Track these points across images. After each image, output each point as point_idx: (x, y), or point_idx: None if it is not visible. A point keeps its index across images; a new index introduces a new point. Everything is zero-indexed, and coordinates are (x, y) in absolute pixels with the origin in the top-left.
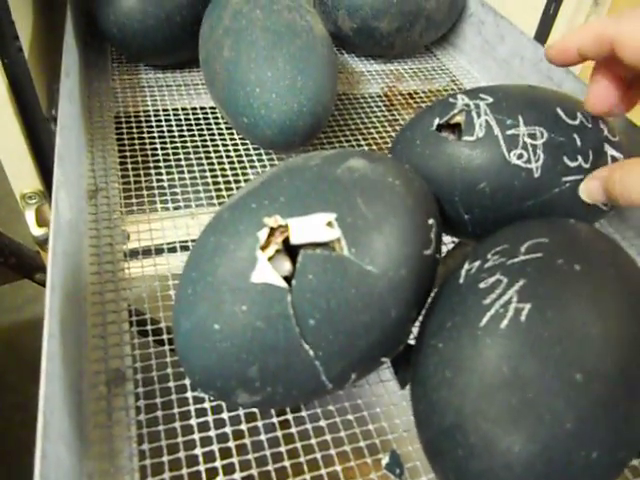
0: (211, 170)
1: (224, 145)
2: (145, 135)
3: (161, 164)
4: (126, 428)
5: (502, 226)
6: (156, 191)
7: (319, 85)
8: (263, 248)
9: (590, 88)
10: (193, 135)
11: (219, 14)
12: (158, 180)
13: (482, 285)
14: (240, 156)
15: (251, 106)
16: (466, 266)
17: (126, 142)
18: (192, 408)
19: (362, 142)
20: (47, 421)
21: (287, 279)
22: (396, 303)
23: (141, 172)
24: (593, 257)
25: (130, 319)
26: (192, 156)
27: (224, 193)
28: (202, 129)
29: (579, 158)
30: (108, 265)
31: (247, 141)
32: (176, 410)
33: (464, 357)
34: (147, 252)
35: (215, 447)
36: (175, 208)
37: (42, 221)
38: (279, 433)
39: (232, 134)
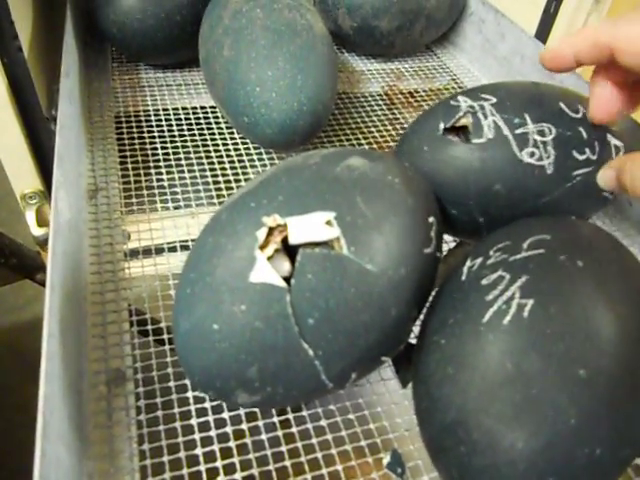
0: (211, 169)
1: (224, 144)
2: (145, 135)
3: (161, 163)
4: (126, 428)
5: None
6: (156, 191)
7: (319, 84)
8: (262, 247)
9: (592, 96)
10: (193, 134)
11: (219, 13)
12: (158, 180)
13: (484, 282)
14: (240, 155)
15: (251, 105)
16: (468, 263)
17: (126, 142)
18: (192, 408)
19: (362, 141)
20: (47, 421)
21: (286, 278)
22: (396, 302)
23: (141, 172)
24: (595, 253)
25: (130, 319)
26: (192, 155)
27: (224, 192)
28: (202, 128)
29: (587, 151)
30: (108, 265)
31: (247, 140)
32: (176, 410)
33: (466, 353)
34: (147, 252)
35: (216, 447)
36: (175, 208)
37: (42, 221)
38: (280, 432)
39: (232, 133)
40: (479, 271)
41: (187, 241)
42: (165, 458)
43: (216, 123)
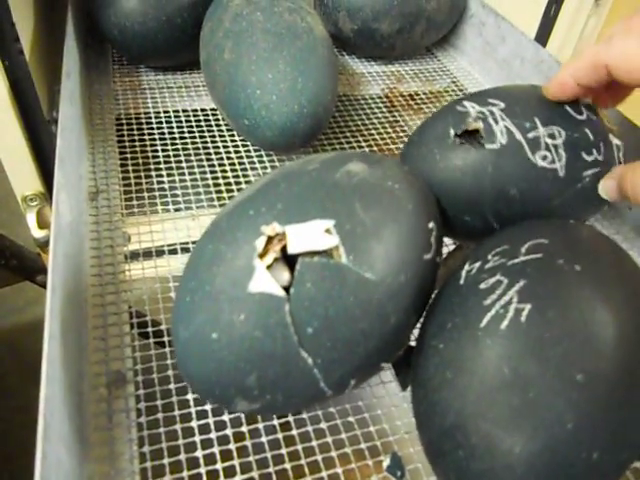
0: (212, 172)
1: (225, 147)
2: (146, 137)
3: (162, 166)
4: (127, 430)
5: None
6: (157, 193)
7: (320, 86)
8: (261, 256)
9: (558, 77)
10: (194, 137)
11: (220, 16)
12: (159, 182)
13: (482, 286)
14: (241, 157)
15: (252, 108)
16: (466, 267)
17: (127, 144)
18: (193, 410)
19: (363, 143)
20: (47, 423)
21: (285, 287)
22: (395, 310)
23: (142, 174)
24: (593, 258)
25: (131, 321)
26: (193, 158)
27: (225, 195)
28: (203, 131)
29: (594, 151)
30: (109, 267)
31: (248, 142)
32: (177, 412)
33: (465, 358)
34: (148, 254)
35: (216, 449)
36: (176, 210)
37: (43, 223)
38: (280, 435)
39: (233, 135)
40: (477, 275)
41: (187, 243)
42: (165, 460)
43: (217, 125)
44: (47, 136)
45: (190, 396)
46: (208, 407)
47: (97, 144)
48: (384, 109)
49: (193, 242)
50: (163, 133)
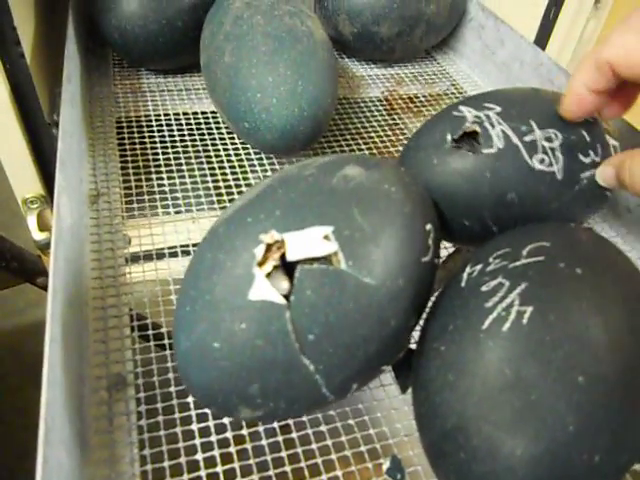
0: (212, 174)
1: (225, 149)
2: (146, 139)
3: (162, 168)
4: (127, 433)
5: None
6: (157, 195)
7: (320, 90)
8: (260, 264)
9: (570, 92)
10: (194, 139)
11: (220, 19)
12: (159, 184)
13: (484, 288)
14: (241, 160)
15: (252, 111)
16: (468, 269)
17: (127, 147)
18: (193, 413)
19: (363, 146)
20: (48, 427)
21: (285, 294)
22: (395, 313)
23: (142, 176)
24: (594, 261)
25: (131, 324)
26: (193, 160)
27: (225, 197)
28: (203, 133)
29: (591, 153)
30: (109, 270)
31: (248, 145)
32: (177, 415)
33: (466, 360)
34: (148, 256)
35: (216, 452)
36: (176, 212)
37: (43, 226)
38: (280, 438)
39: (233, 138)
40: (479, 278)
41: (188, 246)
42: (166, 463)
43: (217, 128)
44: (48, 139)
45: (191, 399)
46: (208, 410)
47: (98, 147)
48: (384, 112)
49: (193, 245)
50: (163, 136)
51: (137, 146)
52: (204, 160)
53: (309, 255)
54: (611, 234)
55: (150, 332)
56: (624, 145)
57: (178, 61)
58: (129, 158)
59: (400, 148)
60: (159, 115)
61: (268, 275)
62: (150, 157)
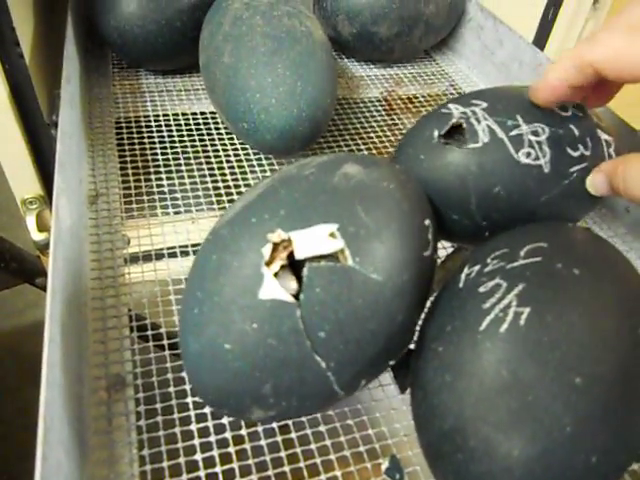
0: (211, 175)
1: (224, 150)
2: (145, 140)
3: (161, 169)
4: (126, 433)
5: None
6: (156, 196)
7: (319, 90)
8: (268, 264)
9: (546, 81)
10: (193, 140)
11: (219, 20)
12: (158, 185)
13: (482, 289)
14: (240, 161)
15: (251, 111)
16: (466, 270)
17: (126, 147)
18: (192, 413)
19: (362, 146)
20: (47, 427)
21: (293, 293)
22: (401, 308)
23: (141, 177)
24: (592, 261)
25: (130, 324)
26: (192, 161)
27: (224, 198)
28: (202, 134)
29: (580, 147)
30: (109, 270)
31: (247, 146)
32: (176, 415)
33: (464, 361)
34: (147, 257)
35: (215, 452)
36: (175, 213)
37: (42, 226)
38: (279, 438)
39: (232, 139)
40: (476, 278)
41: (187, 246)
42: (165, 464)
43: (216, 129)
44: (47, 140)
45: (190, 399)
46: (207, 410)
47: (97, 147)
48: (383, 112)
49: (193, 245)
50: (163, 136)
51: (136, 147)
52: (203, 160)
53: (317, 253)
54: (609, 234)
55: (149, 332)
56: (623, 145)
57: (177, 62)
58: (128, 159)
59: None
60: (158, 116)
61: (275, 275)
62: (149, 158)
